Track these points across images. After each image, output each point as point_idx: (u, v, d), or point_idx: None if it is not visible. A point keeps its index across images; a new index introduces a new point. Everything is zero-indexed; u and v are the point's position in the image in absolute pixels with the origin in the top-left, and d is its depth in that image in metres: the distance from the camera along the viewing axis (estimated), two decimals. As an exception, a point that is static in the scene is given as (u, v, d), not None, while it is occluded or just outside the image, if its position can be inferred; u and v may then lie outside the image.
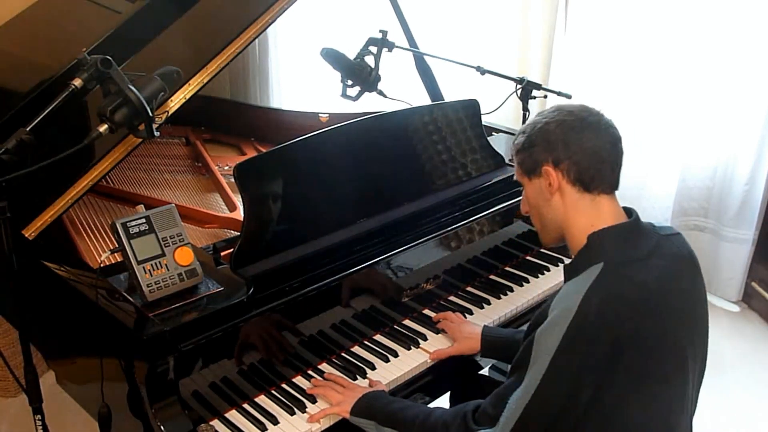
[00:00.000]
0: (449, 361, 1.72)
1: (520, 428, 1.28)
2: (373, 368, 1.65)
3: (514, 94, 2.29)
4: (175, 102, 1.73)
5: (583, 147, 1.34)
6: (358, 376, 1.63)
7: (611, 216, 1.36)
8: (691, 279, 1.39)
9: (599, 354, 1.25)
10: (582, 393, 1.27)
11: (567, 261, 2.05)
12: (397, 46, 2.30)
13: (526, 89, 2.26)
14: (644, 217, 1.40)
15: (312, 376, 1.62)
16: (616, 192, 1.39)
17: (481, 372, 1.90)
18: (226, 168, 2.36)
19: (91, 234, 1.87)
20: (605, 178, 1.36)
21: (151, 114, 1.44)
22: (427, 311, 1.85)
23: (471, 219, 1.90)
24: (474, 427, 1.35)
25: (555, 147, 1.36)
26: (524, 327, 1.52)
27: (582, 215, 1.37)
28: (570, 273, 1.36)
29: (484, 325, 1.77)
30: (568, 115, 1.36)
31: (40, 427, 1.57)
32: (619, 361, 1.26)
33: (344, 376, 1.62)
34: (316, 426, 1.50)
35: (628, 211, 1.39)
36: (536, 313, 1.36)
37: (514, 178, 1.48)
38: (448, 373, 1.73)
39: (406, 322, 1.82)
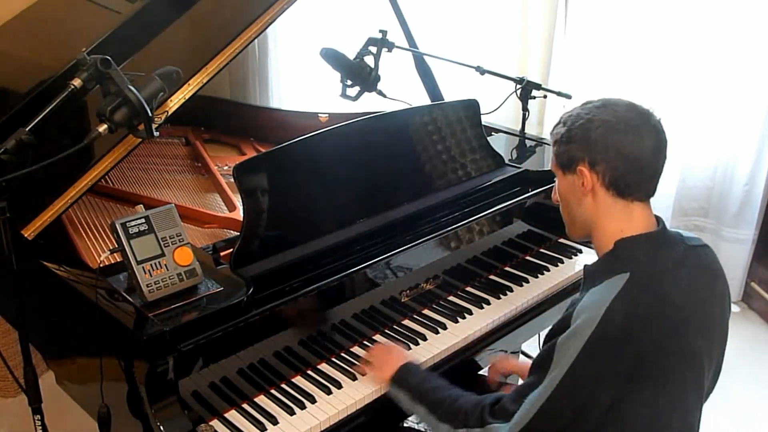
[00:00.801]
0: (449, 360, 1.72)
1: (532, 428, 1.28)
2: (373, 368, 1.65)
3: (514, 94, 2.30)
4: (175, 102, 1.73)
5: (623, 152, 1.29)
6: (358, 375, 1.63)
7: (642, 224, 1.33)
8: (715, 291, 1.37)
9: (619, 366, 1.25)
10: (599, 400, 1.27)
11: (567, 261, 2.08)
12: (397, 46, 2.30)
13: (526, 89, 2.27)
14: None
15: (312, 377, 1.62)
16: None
17: (480, 372, 1.90)
18: (226, 168, 2.36)
19: (90, 234, 1.87)
20: (642, 186, 1.32)
21: (150, 114, 1.44)
22: (426, 311, 1.85)
23: (471, 219, 1.90)
24: (489, 420, 1.35)
25: (594, 147, 1.31)
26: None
27: (613, 220, 1.34)
28: (592, 276, 1.33)
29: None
30: (613, 115, 1.31)
31: (40, 428, 1.57)
32: (639, 372, 1.26)
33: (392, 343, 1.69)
34: (316, 426, 1.50)
35: (657, 219, 1.36)
36: (559, 318, 1.33)
37: (549, 166, 1.44)
38: (448, 373, 1.73)
39: (406, 322, 1.81)
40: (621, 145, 1.29)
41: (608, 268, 1.31)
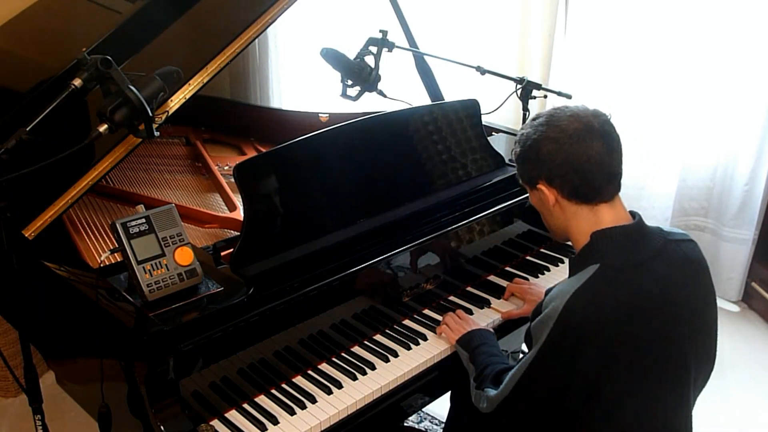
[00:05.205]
0: (449, 360, 1.72)
1: (512, 399, 1.40)
2: (374, 368, 1.65)
3: (514, 94, 2.30)
4: (175, 102, 1.73)
5: (574, 164, 1.34)
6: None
7: (612, 220, 1.37)
8: (698, 283, 1.40)
9: (585, 356, 1.29)
10: (571, 388, 1.32)
11: (567, 261, 2.07)
12: (397, 46, 2.30)
13: (526, 89, 2.26)
14: (645, 218, 1.40)
15: (312, 376, 1.62)
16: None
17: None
18: (226, 168, 2.36)
19: (91, 234, 1.87)
20: (600, 190, 1.36)
21: (151, 114, 1.44)
22: (427, 311, 1.85)
23: (471, 219, 1.90)
24: (487, 385, 1.49)
25: (545, 166, 1.37)
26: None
27: (583, 222, 1.39)
28: (571, 268, 1.40)
29: (548, 289, 1.82)
30: (558, 131, 1.35)
31: (40, 427, 1.57)
32: (613, 363, 1.29)
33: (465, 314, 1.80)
34: (316, 426, 1.50)
35: (633, 215, 1.40)
36: (536, 306, 1.42)
37: (519, 181, 1.49)
38: (449, 372, 1.73)
39: (406, 322, 1.81)
40: (570, 159, 1.34)
41: (583, 259, 1.36)
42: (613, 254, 1.33)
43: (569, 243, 1.47)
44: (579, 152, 1.33)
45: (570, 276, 1.39)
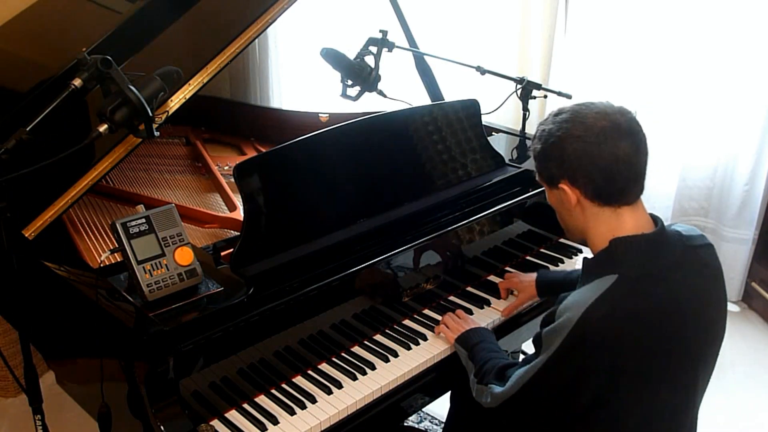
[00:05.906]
0: (449, 360, 1.72)
1: (518, 399, 1.39)
2: (374, 368, 1.65)
3: (514, 94, 2.30)
4: (175, 102, 1.73)
5: (599, 164, 1.28)
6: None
7: (633, 225, 1.33)
8: (712, 291, 1.37)
9: (597, 366, 1.27)
10: (580, 393, 1.30)
11: (567, 261, 2.08)
12: (397, 46, 2.30)
13: (526, 89, 2.27)
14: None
15: (312, 376, 1.62)
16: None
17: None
18: (226, 168, 2.36)
19: (91, 234, 1.87)
20: (625, 191, 1.31)
21: (151, 114, 1.44)
22: (427, 311, 1.85)
23: (471, 219, 1.90)
24: (491, 381, 1.49)
25: (569, 165, 1.31)
26: (577, 268, 1.64)
27: (603, 225, 1.34)
28: (586, 271, 1.36)
29: (538, 271, 1.88)
30: (583, 128, 1.29)
31: (40, 427, 1.57)
32: (624, 373, 1.28)
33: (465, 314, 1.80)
34: (316, 426, 1.50)
35: (655, 221, 1.36)
36: (549, 310, 1.37)
37: (536, 179, 1.45)
38: (449, 372, 1.73)
39: (406, 322, 1.81)
40: (596, 158, 1.28)
41: (600, 266, 1.32)
42: (632, 265, 1.29)
43: (571, 243, 1.46)
44: (606, 152, 1.27)
45: (583, 278, 1.35)
